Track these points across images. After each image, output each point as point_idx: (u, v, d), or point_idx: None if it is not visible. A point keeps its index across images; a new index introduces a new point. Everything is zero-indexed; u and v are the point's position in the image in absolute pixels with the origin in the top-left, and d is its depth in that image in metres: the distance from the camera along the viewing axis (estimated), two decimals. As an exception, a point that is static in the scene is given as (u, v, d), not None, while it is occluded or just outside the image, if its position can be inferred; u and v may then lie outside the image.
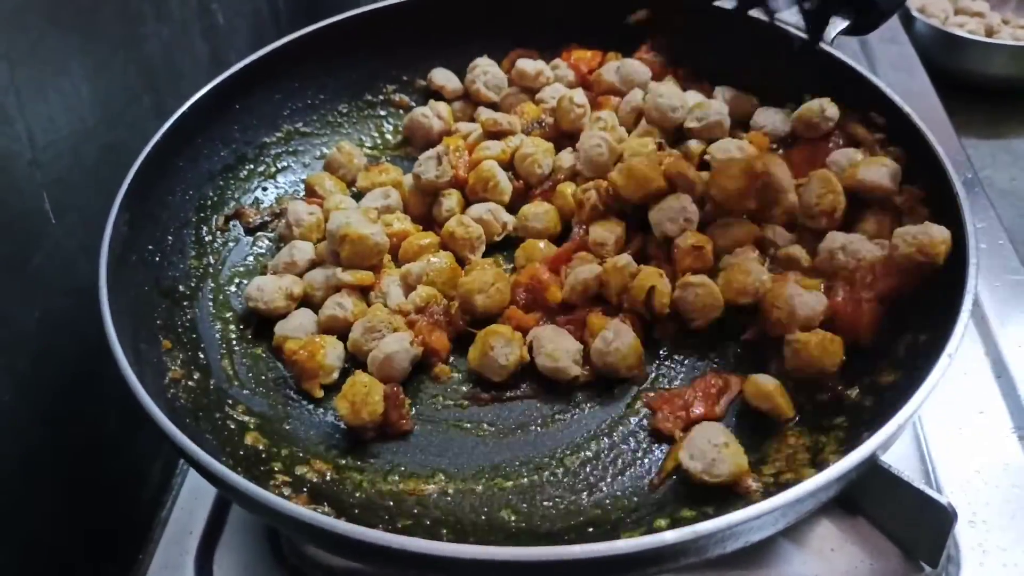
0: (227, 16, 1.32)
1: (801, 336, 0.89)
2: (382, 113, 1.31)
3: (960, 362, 1.05)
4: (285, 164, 1.21)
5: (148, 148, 0.98)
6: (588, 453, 0.89)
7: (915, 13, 1.85)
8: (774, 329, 0.92)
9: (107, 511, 1.02)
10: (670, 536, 0.63)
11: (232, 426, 0.91)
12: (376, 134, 1.30)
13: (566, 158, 1.15)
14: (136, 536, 0.98)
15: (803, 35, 1.13)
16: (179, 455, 0.76)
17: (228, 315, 1.03)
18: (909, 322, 0.90)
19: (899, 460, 0.94)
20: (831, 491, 0.71)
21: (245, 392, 0.96)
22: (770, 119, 1.16)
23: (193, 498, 0.98)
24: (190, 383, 0.92)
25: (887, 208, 1.00)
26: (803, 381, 0.90)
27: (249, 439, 0.89)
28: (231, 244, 1.11)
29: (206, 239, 1.09)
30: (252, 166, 1.18)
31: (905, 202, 0.99)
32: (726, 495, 0.80)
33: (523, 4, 1.30)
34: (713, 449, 0.81)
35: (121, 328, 0.81)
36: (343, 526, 0.65)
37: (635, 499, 0.84)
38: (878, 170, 1.00)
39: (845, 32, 1.13)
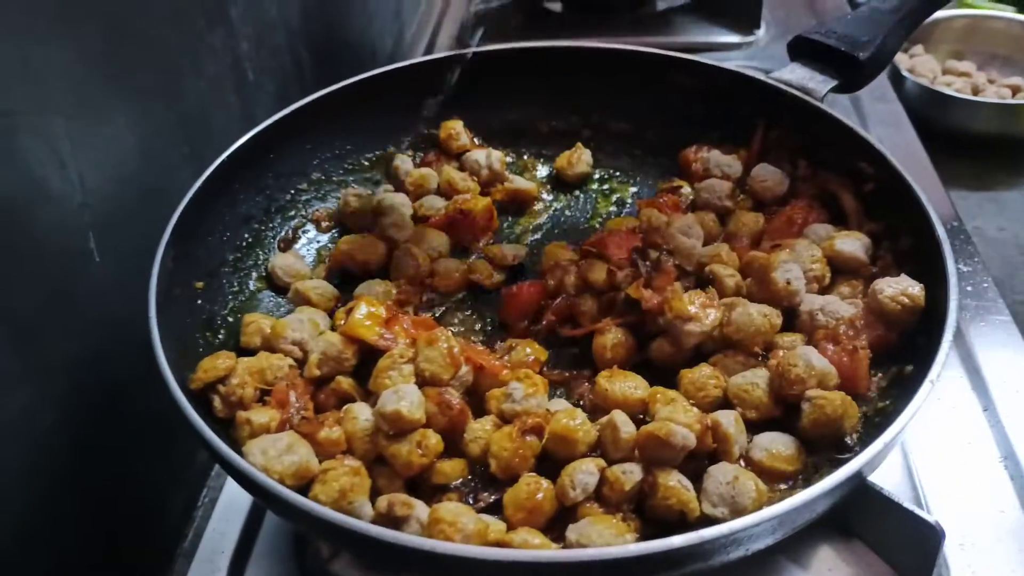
0: (256, 73, 1.40)
1: (827, 393, 0.89)
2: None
3: (949, 396, 1.12)
4: (316, 209, 1.28)
5: (192, 191, 1.05)
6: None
7: (904, 73, 1.95)
8: (791, 388, 0.91)
9: (130, 539, 1.06)
10: (677, 540, 0.68)
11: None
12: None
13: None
14: (159, 564, 1.03)
15: (797, 92, 1.21)
16: (226, 469, 0.82)
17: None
18: (896, 356, 0.96)
19: (892, 488, 0.99)
20: (822, 504, 0.76)
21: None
22: (769, 174, 1.22)
23: (224, 520, 1.03)
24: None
25: (859, 275, 1.07)
26: (817, 441, 0.91)
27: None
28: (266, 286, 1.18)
29: (242, 276, 1.15)
30: (285, 211, 1.25)
31: (880, 269, 1.06)
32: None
33: (535, 64, 1.38)
34: (727, 488, 0.83)
35: (168, 356, 0.87)
36: (375, 530, 0.70)
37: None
38: (853, 243, 1.08)
39: (834, 90, 1.22)
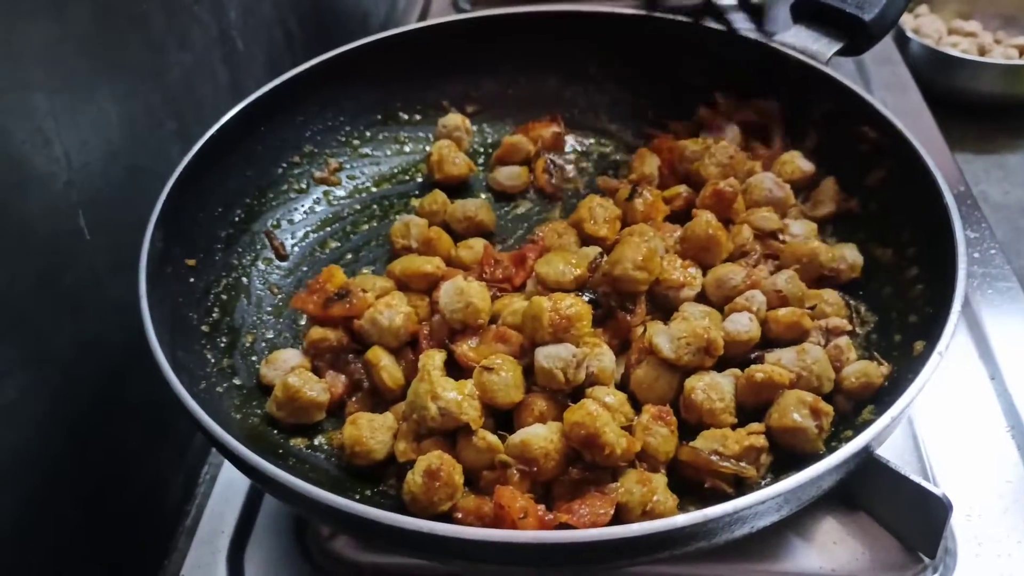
0: (245, 43, 1.37)
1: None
2: (399, 133, 1.37)
3: (955, 365, 1.10)
4: (307, 183, 1.26)
5: (180, 168, 1.02)
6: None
7: (909, 34, 1.90)
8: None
9: (130, 522, 1.05)
10: (681, 520, 0.67)
11: (264, 425, 0.96)
12: (390, 152, 1.35)
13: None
14: (159, 545, 1.03)
15: (801, 56, 1.18)
16: (220, 451, 0.81)
17: (259, 322, 1.09)
18: (904, 327, 0.95)
19: (897, 459, 0.97)
20: (829, 480, 0.75)
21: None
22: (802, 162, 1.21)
23: (224, 500, 1.02)
24: (223, 387, 0.97)
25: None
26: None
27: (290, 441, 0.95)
28: (259, 261, 1.16)
29: (236, 253, 1.14)
30: (277, 185, 1.23)
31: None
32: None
33: (529, 29, 1.36)
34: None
35: (160, 335, 0.85)
36: (372, 512, 0.69)
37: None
38: None
39: (839, 53, 1.19)
